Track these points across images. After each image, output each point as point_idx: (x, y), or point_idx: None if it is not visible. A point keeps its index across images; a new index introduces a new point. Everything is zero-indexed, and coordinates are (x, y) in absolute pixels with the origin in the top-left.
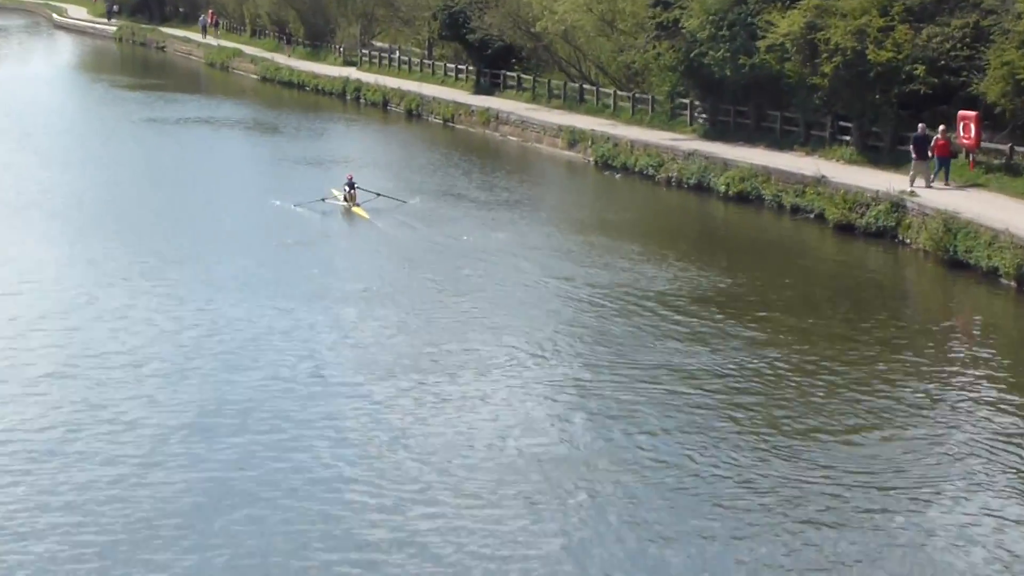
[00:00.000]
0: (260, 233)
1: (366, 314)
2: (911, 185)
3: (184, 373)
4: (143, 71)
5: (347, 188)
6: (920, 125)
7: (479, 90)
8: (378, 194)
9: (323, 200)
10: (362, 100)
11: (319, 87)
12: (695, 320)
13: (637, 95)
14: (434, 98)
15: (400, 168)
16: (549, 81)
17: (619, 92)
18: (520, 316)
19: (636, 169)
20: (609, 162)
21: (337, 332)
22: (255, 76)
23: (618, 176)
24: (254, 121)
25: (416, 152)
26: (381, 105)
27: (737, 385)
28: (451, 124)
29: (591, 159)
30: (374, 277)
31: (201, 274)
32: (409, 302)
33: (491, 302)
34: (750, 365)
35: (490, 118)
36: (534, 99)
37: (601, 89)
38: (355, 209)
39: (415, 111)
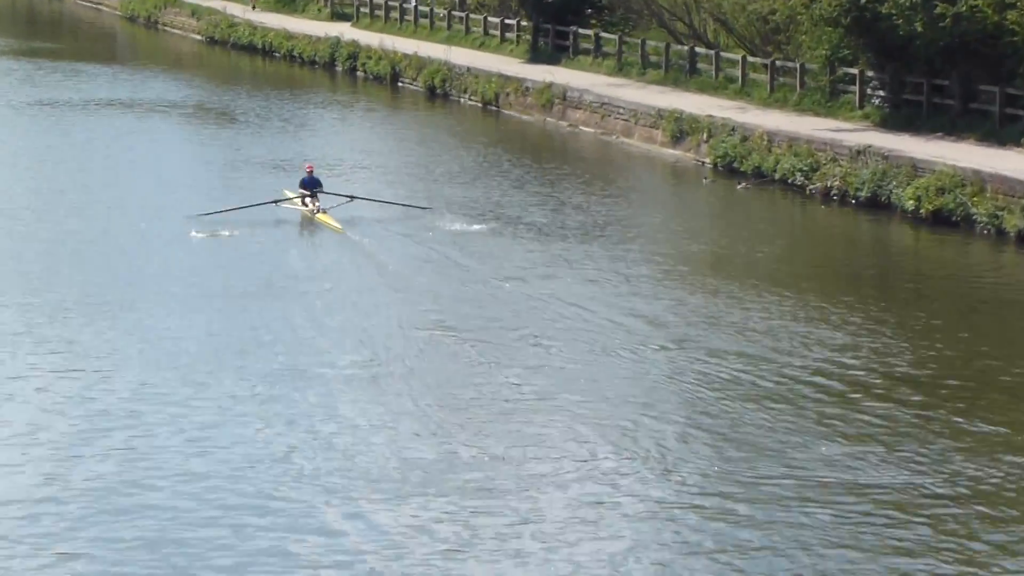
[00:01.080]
0: (203, 273)
1: (369, 401)
2: None
3: (86, 508)
4: (30, 29)
5: (304, 187)
6: None
7: (537, 57)
8: (351, 197)
9: (276, 203)
10: (360, 72)
11: (295, 53)
12: (879, 410)
13: (778, 63)
14: (469, 69)
15: (418, 176)
16: (643, 43)
17: (750, 59)
18: (605, 404)
19: (777, 175)
20: (735, 165)
21: (325, 432)
22: (198, 37)
23: (744, 186)
24: (197, 106)
25: (442, 151)
26: (388, 80)
27: (961, 513)
28: (494, 108)
29: (707, 160)
30: (377, 341)
31: (114, 341)
32: (433, 381)
33: (560, 382)
34: (978, 481)
35: (554, 99)
36: (620, 70)
37: (723, 54)
38: (320, 217)
39: (440, 89)
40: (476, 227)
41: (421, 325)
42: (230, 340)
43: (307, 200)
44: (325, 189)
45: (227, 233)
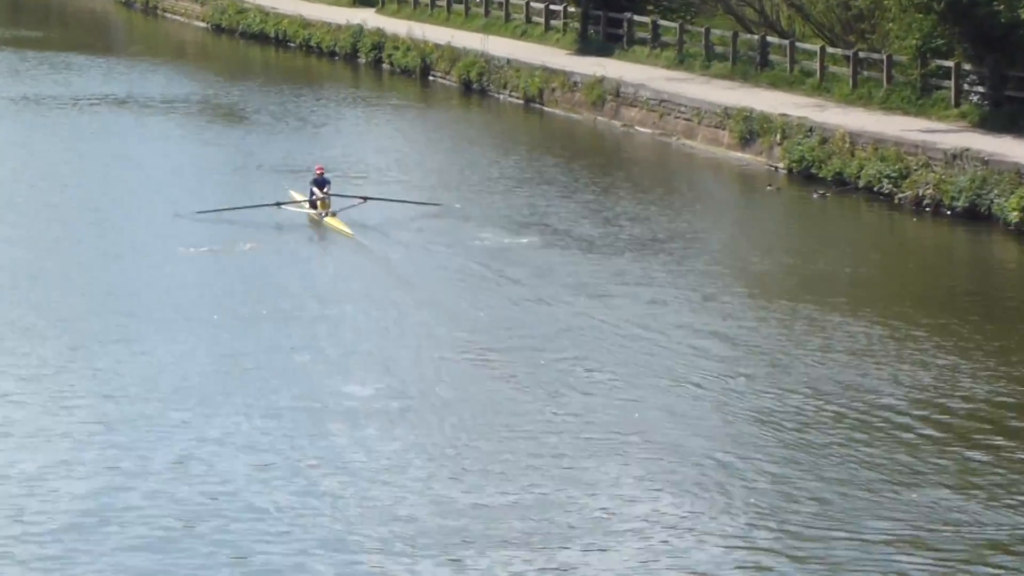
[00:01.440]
0: (201, 291)
1: (395, 439)
2: None
3: (66, 561)
4: (13, 15)
5: (314, 189)
6: None
7: (586, 47)
8: (365, 198)
9: (278, 206)
10: (386, 65)
11: (312, 43)
12: (985, 448)
13: (862, 54)
14: (509, 61)
15: (452, 183)
16: (707, 31)
17: (830, 49)
18: (670, 442)
19: (860, 182)
20: (812, 170)
21: (344, 474)
22: (203, 24)
23: (821, 194)
24: (202, 102)
25: (479, 154)
26: (418, 74)
27: None
28: (537, 105)
29: (781, 165)
30: (404, 369)
31: (103, 371)
32: (470, 416)
33: (616, 417)
34: None
35: (605, 95)
36: (681, 62)
37: (799, 44)
38: (329, 221)
39: (476, 83)
40: (519, 240)
41: (455, 351)
42: (234, 370)
43: (316, 202)
44: (337, 191)
45: (219, 248)
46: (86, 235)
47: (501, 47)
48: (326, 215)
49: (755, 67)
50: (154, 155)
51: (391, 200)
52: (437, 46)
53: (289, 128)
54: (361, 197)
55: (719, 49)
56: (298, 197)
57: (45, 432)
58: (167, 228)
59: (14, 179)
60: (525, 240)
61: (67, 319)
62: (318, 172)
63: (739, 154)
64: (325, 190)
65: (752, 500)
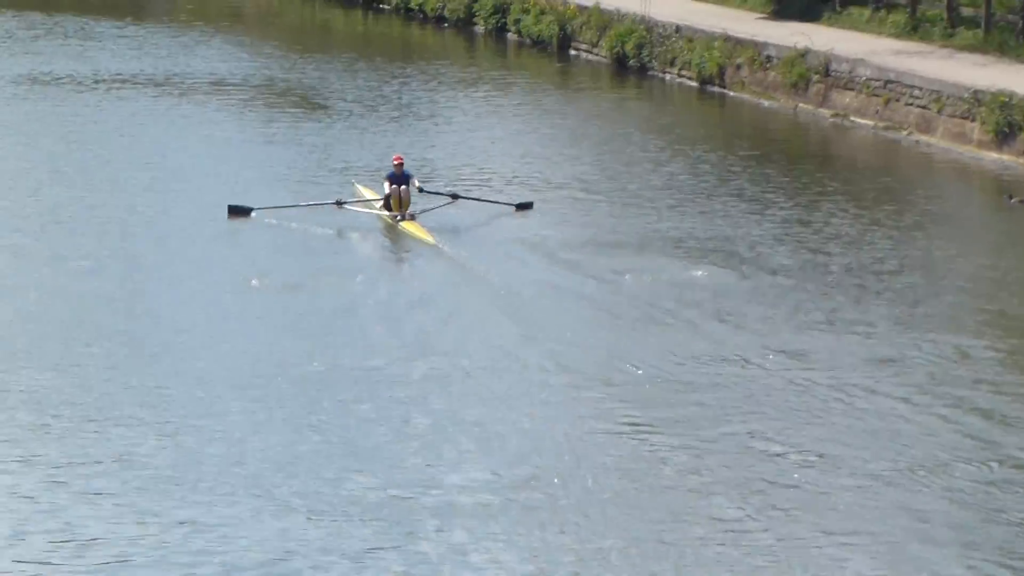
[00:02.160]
0: (253, 339)
1: (528, 539)
2: None
3: None
4: None
5: (389, 185)
6: None
7: (784, 9)
8: (454, 196)
9: (338, 205)
10: (512, 35)
11: (414, 5)
12: None
13: None
14: (678, 28)
15: (603, 194)
16: None
17: None
18: (894, 551)
19: None
20: None
21: None
22: None
23: None
24: (266, 85)
25: (638, 156)
26: (555, 46)
27: None
28: (717, 88)
29: None
30: (537, 448)
31: (144, 448)
32: (625, 510)
33: (820, 514)
34: None
35: (810, 74)
36: (914, 29)
37: None
38: (405, 225)
39: (634, 59)
40: (691, 270)
41: (596, 421)
42: (315, 447)
43: (390, 202)
44: (423, 187)
45: (294, 284)
46: (110, 256)
47: (668, 10)
48: (403, 218)
49: (1016, 36)
50: (202, 153)
51: (485, 200)
52: (581, 9)
53: (382, 119)
54: (450, 195)
55: (967, 12)
56: (367, 194)
57: (64, 532)
58: (215, 249)
59: (21, 181)
60: (699, 271)
61: (87, 376)
62: (396, 164)
63: (994, 154)
64: (411, 184)
65: None
